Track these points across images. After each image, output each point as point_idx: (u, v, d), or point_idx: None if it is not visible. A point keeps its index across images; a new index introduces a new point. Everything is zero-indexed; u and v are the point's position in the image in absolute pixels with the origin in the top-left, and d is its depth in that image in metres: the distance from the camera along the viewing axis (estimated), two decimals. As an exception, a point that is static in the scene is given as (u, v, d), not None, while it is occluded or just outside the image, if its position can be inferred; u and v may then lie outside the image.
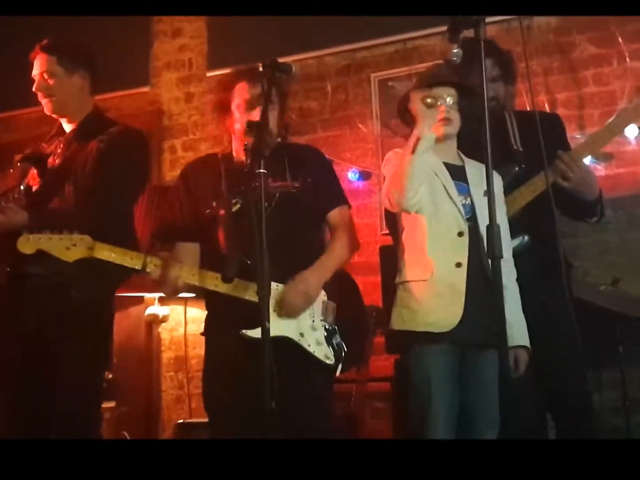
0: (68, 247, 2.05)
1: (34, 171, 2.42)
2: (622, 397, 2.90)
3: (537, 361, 2.16)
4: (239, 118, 2.20)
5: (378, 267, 3.21)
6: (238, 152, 2.27)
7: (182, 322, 3.87)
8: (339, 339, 2.18)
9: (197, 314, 3.76)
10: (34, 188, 2.42)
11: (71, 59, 2.50)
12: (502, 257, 1.66)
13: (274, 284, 2.07)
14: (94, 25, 3.84)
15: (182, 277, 2.10)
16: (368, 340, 2.39)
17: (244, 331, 2.04)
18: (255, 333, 1.96)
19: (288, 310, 2.12)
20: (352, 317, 2.26)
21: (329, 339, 2.17)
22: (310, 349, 2.14)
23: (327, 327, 2.18)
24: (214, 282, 2.11)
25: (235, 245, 2.09)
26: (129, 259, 2.08)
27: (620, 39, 3.38)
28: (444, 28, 1.84)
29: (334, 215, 2.29)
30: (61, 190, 2.37)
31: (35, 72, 2.50)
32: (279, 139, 2.28)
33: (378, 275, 3.15)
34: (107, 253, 2.07)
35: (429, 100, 2.08)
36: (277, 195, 2.17)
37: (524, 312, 2.11)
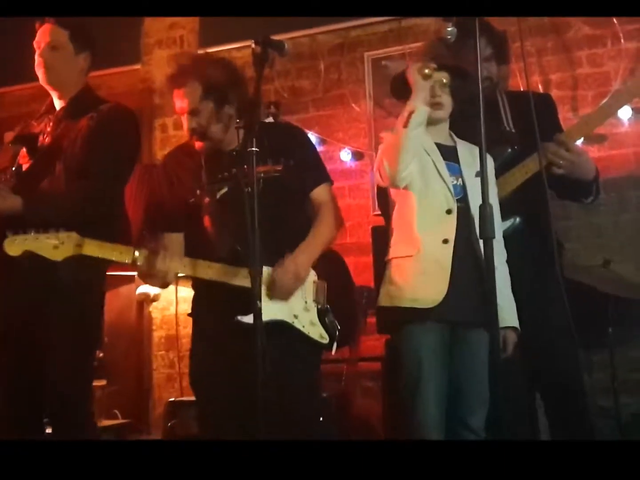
0: (56, 246, 2.03)
1: (24, 150, 2.40)
2: (611, 378, 2.93)
3: (529, 341, 2.16)
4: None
5: (370, 247, 3.21)
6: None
7: (173, 301, 3.88)
8: (332, 318, 2.20)
9: (188, 294, 3.74)
10: (24, 167, 2.40)
11: (83, 39, 2.49)
12: (494, 237, 1.66)
13: (266, 269, 2.08)
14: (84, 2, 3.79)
15: (172, 269, 2.09)
16: (359, 320, 2.40)
17: (239, 317, 2.03)
18: (251, 319, 1.95)
19: (280, 292, 2.12)
20: (341, 296, 2.26)
21: (322, 319, 2.18)
22: (305, 330, 2.14)
23: (319, 307, 2.18)
24: (205, 271, 2.11)
25: (224, 232, 2.09)
26: (118, 254, 2.07)
27: (615, 20, 3.37)
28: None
29: (317, 193, 2.28)
30: (51, 169, 2.34)
31: (42, 40, 2.45)
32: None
33: (370, 256, 3.15)
34: (95, 249, 2.06)
35: (426, 70, 2.06)
36: (261, 180, 2.13)
37: (515, 293, 2.11)
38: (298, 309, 2.15)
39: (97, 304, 2.43)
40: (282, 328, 2.11)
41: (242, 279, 2.05)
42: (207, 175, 2.20)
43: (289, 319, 2.13)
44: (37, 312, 2.28)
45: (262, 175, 2.14)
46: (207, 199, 2.17)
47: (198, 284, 2.28)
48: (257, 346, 1.76)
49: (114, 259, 2.07)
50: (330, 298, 2.22)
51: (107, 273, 2.49)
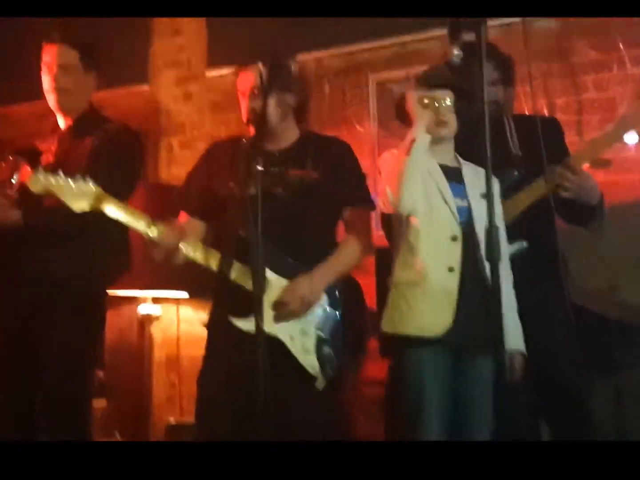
0: (77, 195, 2.01)
1: (27, 168, 2.40)
2: (617, 402, 2.89)
3: (535, 365, 2.14)
4: (242, 108, 2.20)
5: (373, 268, 3.19)
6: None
7: (174, 321, 3.85)
8: (330, 351, 2.09)
9: (190, 314, 3.75)
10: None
11: (92, 58, 2.48)
12: (500, 260, 1.65)
13: (277, 277, 2.04)
14: (94, 22, 3.82)
15: (183, 249, 2.04)
16: (365, 351, 2.33)
17: (232, 319, 1.98)
18: (244, 324, 1.93)
19: (283, 313, 2.07)
20: (351, 326, 2.18)
21: (319, 349, 2.09)
22: (296, 355, 2.06)
23: (320, 335, 2.10)
24: (216, 263, 2.05)
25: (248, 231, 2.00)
26: (134, 219, 2.03)
27: (621, 45, 3.37)
28: (442, 31, 1.83)
29: (353, 213, 2.21)
30: None
31: (52, 61, 2.43)
32: (299, 131, 2.25)
33: (373, 277, 3.13)
34: (114, 208, 2.03)
35: (425, 100, 2.07)
36: (296, 183, 2.12)
37: (521, 316, 2.09)
38: (295, 330, 2.08)
39: (98, 321, 2.42)
40: (275, 345, 2.04)
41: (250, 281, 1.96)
42: (246, 170, 2.10)
43: (283, 337, 2.06)
44: (36, 329, 2.26)
45: (297, 179, 2.11)
46: (239, 193, 2.09)
47: (217, 294, 2.20)
48: (258, 366, 1.72)
49: (128, 222, 2.04)
50: (339, 326, 2.14)
51: (109, 293, 2.48)
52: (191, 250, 2.06)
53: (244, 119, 2.19)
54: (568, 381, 2.25)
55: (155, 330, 3.99)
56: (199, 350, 2.24)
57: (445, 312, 2.00)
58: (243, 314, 1.96)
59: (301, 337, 2.08)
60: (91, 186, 2.02)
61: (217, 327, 2.18)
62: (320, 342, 2.09)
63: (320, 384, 2.07)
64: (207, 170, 2.26)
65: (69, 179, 2.02)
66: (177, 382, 3.87)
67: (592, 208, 2.30)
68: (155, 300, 3.75)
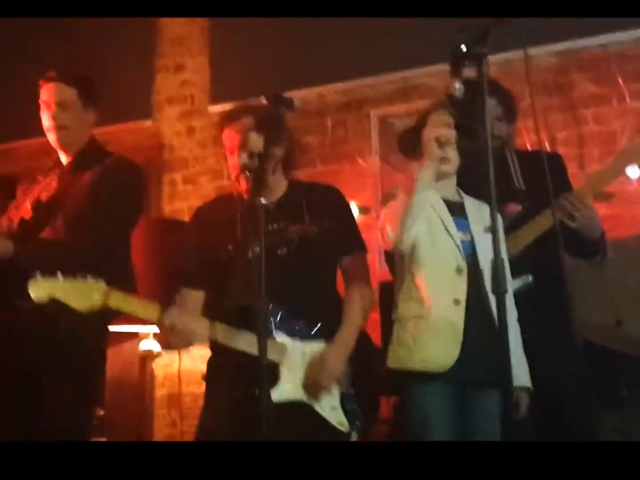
0: (83, 296, 1.92)
1: (27, 205, 2.40)
2: (625, 439, 2.84)
3: (542, 401, 2.11)
4: (229, 164, 2.17)
5: (377, 304, 3.16)
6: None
7: (176, 358, 3.81)
8: (353, 405, 2.07)
9: (192, 351, 3.71)
10: (26, 219, 2.39)
11: (91, 94, 2.49)
12: (507, 292, 1.63)
13: (291, 340, 2.03)
14: (98, 58, 3.87)
15: (198, 330, 1.97)
16: (379, 404, 2.29)
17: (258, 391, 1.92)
18: (274, 395, 1.91)
19: (315, 391, 2.02)
20: (365, 380, 2.14)
21: (343, 405, 2.06)
22: (325, 414, 2.04)
23: (343, 392, 2.08)
24: (231, 338, 1.98)
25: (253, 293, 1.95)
26: (143, 309, 1.97)
27: (620, 79, 3.40)
28: (443, 67, 1.84)
29: (349, 262, 2.20)
30: (52, 222, 2.34)
31: (50, 100, 2.44)
32: (287, 180, 2.22)
33: (377, 312, 3.10)
34: (121, 302, 1.95)
35: (443, 139, 2.05)
36: (296, 240, 2.10)
37: (529, 352, 2.07)
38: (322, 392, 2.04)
39: (98, 358, 2.39)
40: (299, 409, 2.01)
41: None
42: (242, 230, 2.10)
43: (310, 401, 2.03)
44: (36, 366, 2.24)
45: (297, 235, 2.09)
46: (239, 256, 2.06)
47: (216, 346, 2.16)
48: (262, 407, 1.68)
49: (138, 314, 1.98)
50: (354, 378, 2.11)
51: (110, 329, 2.46)
52: (204, 329, 2.00)
53: (233, 174, 2.15)
54: (576, 416, 2.22)
55: (157, 367, 3.96)
56: (201, 388, 2.21)
57: (451, 345, 1.98)
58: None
59: (327, 397, 2.05)
60: (96, 282, 1.94)
61: (216, 383, 2.14)
62: (343, 398, 2.08)
63: (353, 438, 2.06)
64: (198, 240, 2.19)
65: (71, 279, 1.92)
66: (178, 421, 3.82)
67: (595, 242, 2.31)
68: (157, 336, 3.72)
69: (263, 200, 1.78)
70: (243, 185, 2.13)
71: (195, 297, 2.15)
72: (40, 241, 2.31)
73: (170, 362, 3.91)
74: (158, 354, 3.81)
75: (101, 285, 1.94)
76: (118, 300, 1.96)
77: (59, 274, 1.92)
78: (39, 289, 1.92)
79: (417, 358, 2.01)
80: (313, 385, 2.02)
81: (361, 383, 2.12)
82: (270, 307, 1.98)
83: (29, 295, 2.00)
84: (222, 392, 2.09)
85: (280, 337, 2.04)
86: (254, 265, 1.78)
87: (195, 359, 3.67)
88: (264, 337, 1.74)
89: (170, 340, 2.01)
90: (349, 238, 2.23)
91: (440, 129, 2.08)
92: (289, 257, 2.08)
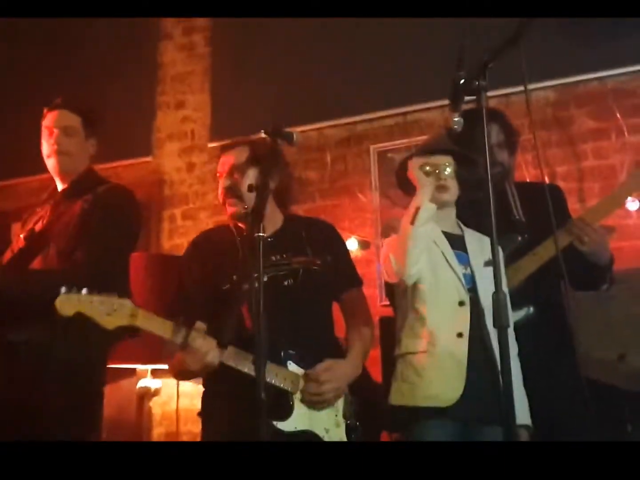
0: (109, 313, 1.88)
1: (20, 236, 2.39)
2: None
3: (544, 438, 2.06)
4: (219, 188, 2.19)
5: (377, 339, 3.13)
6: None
7: (174, 395, 3.76)
8: (360, 436, 2.07)
9: (190, 388, 3.66)
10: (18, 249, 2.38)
11: (93, 125, 2.51)
12: (509, 326, 1.61)
13: (297, 368, 2.02)
14: (99, 95, 3.90)
15: (212, 353, 1.93)
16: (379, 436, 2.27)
17: (275, 423, 1.93)
18: (288, 426, 1.92)
19: (317, 401, 2.01)
20: (367, 412, 2.12)
21: (349, 437, 2.05)
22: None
23: (348, 422, 2.07)
24: (242, 363, 1.95)
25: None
26: (169, 331, 1.92)
27: (618, 114, 3.42)
28: (442, 101, 1.84)
29: (350, 297, 2.23)
30: (44, 252, 2.32)
31: (55, 125, 2.44)
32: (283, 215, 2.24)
33: (377, 348, 3.07)
34: (146, 322, 1.91)
35: (427, 168, 2.08)
36: (301, 271, 2.11)
37: (530, 386, 2.03)
38: (330, 423, 2.03)
39: (95, 392, 2.35)
40: (311, 439, 1.99)
41: (271, 376, 1.93)
42: (244, 260, 2.08)
43: (320, 431, 2.01)
44: (30, 402, 2.20)
45: (302, 266, 2.10)
46: (245, 286, 2.02)
47: (209, 381, 2.14)
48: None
49: (164, 335, 1.93)
50: (357, 411, 2.10)
51: (108, 366, 2.42)
52: (214, 350, 1.95)
53: (221, 198, 2.18)
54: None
55: (155, 405, 3.90)
56: (199, 427, 2.17)
57: (455, 379, 1.96)
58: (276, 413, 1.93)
59: (336, 429, 2.04)
60: (121, 301, 1.91)
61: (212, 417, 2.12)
62: (349, 430, 2.07)
63: None
64: (199, 266, 2.16)
65: (98, 296, 1.89)
66: (175, 459, 3.75)
67: (604, 269, 2.28)
68: (155, 373, 3.68)
69: (262, 233, 1.77)
70: (230, 210, 2.16)
71: (200, 326, 2.11)
72: (30, 271, 2.28)
73: (168, 400, 3.85)
74: (156, 392, 3.76)
75: (127, 304, 1.92)
76: (145, 319, 1.92)
77: (85, 289, 1.89)
78: (66, 305, 1.88)
79: (420, 394, 1.99)
80: (318, 395, 2.00)
81: (363, 418, 2.10)
82: (279, 337, 1.97)
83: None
84: (219, 426, 2.06)
85: (292, 367, 2.03)
86: (259, 295, 1.75)
87: (193, 397, 3.62)
88: (262, 368, 1.70)
89: (186, 359, 1.95)
90: (347, 273, 2.26)
91: (423, 157, 2.10)
92: (294, 287, 2.08)
